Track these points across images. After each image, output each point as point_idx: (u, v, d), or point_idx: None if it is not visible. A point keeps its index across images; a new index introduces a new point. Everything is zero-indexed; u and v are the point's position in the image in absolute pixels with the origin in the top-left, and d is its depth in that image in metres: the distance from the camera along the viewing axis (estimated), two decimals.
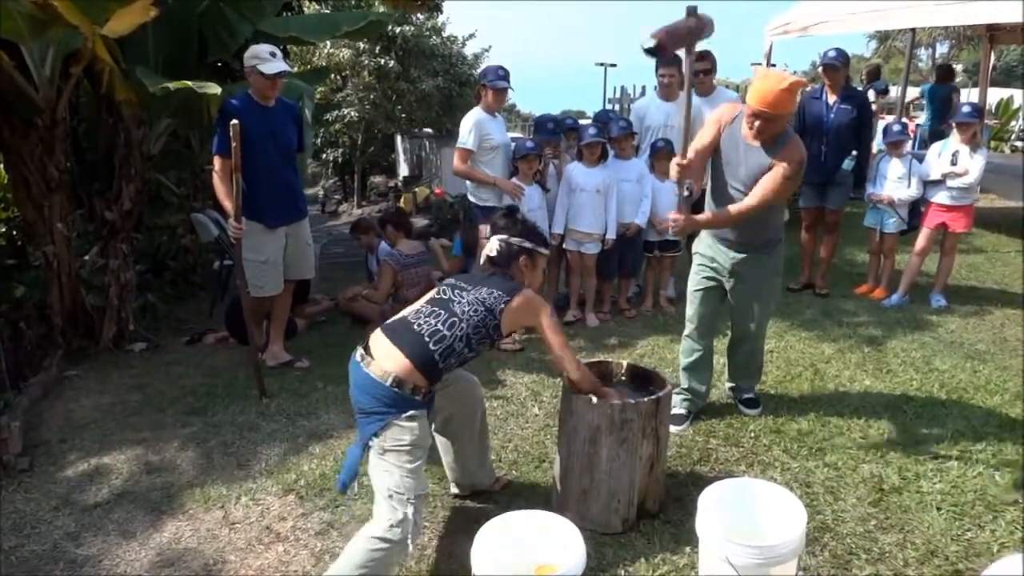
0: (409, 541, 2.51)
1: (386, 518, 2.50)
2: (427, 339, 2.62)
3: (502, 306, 2.71)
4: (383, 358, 2.62)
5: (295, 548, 2.98)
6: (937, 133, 8.03)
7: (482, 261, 2.97)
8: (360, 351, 2.71)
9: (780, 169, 3.34)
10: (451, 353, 2.64)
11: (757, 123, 3.30)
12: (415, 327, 2.67)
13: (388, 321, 2.83)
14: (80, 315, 5.15)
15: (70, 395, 4.49)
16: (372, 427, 2.59)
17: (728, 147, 3.52)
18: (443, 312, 2.70)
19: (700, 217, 3.59)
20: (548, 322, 2.80)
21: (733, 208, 3.47)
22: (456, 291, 2.78)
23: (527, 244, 2.90)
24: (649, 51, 3.04)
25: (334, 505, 3.22)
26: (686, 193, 3.56)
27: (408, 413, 2.57)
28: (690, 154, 3.42)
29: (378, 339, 2.70)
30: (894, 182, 5.79)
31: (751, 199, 3.41)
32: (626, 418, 2.87)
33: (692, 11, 3.06)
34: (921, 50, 29.02)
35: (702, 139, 3.55)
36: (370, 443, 2.62)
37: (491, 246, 2.92)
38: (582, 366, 2.92)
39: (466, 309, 2.69)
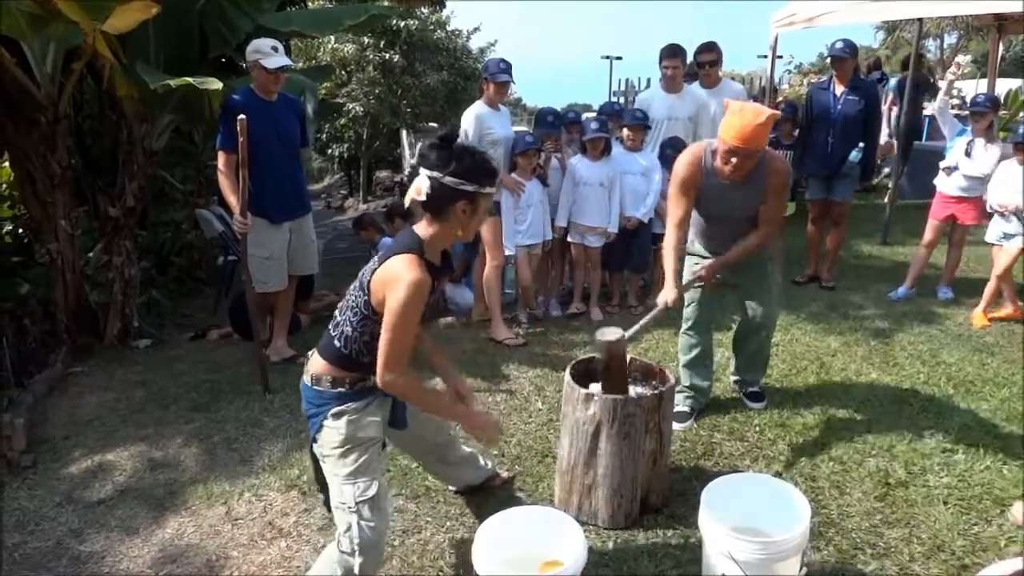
0: (356, 554, 2.31)
1: (339, 528, 2.38)
2: (331, 329, 2.45)
3: (368, 277, 2.31)
4: (312, 358, 2.50)
5: (297, 544, 2.97)
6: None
7: (407, 202, 2.40)
8: (309, 355, 2.57)
9: (778, 188, 3.40)
10: (347, 339, 2.37)
11: (734, 160, 3.20)
12: (332, 317, 2.50)
13: None
14: (84, 312, 5.16)
15: (74, 392, 4.50)
16: (311, 431, 2.47)
17: (711, 193, 3.47)
18: (346, 296, 2.47)
19: (723, 259, 3.58)
20: (400, 301, 2.19)
21: (742, 247, 3.53)
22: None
23: (468, 186, 2.27)
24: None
25: None
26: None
27: (334, 411, 2.38)
28: (672, 233, 3.49)
29: None
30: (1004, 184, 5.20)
31: (767, 224, 3.49)
32: (629, 413, 2.85)
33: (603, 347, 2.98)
34: (929, 41, 28.81)
35: (681, 210, 3.49)
36: (314, 451, 2.49)
37: (419, 185, 2.30)
38: (403, 376, 2.33)
39: (351, 288, 2.42)
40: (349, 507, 2.35)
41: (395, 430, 2.64)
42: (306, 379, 2.47)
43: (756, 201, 3.47)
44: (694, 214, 3.63)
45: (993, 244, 5.29)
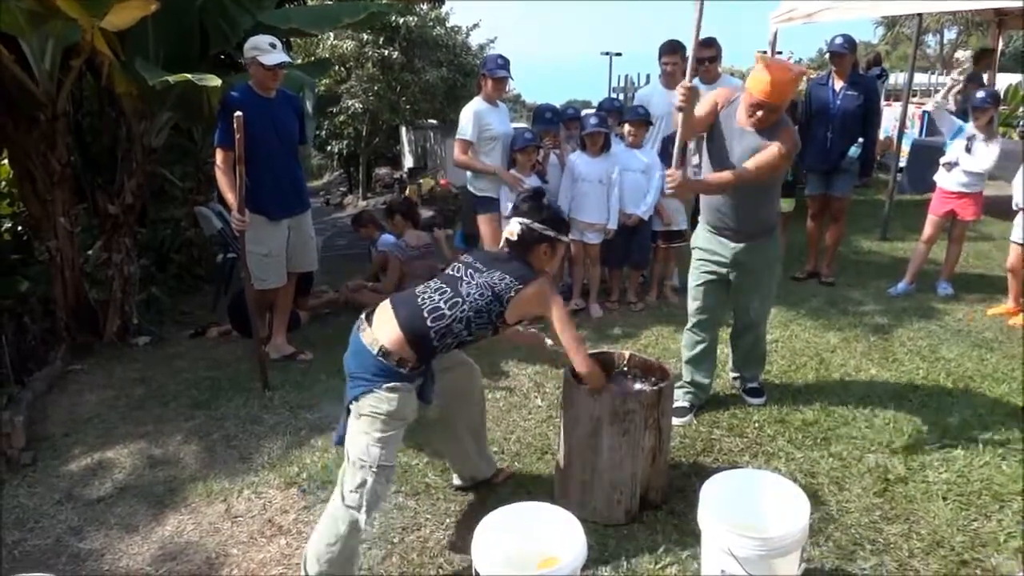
0: (363, 510, 2.50)
1: (348, 483, 2.53)
2: (426, 315, 2.58)
3: (511, 294, 2.63)
4: (379, 326, 2.61)
5: (297, 541, 2.97)
6: None
7: (501, 244, 2.86)
8: (362, 317, 2.70)
9: (776, 146, 3.31)
10: (448, 333, 2.58)
11: (759, 113, 3.26)
12: (418, 300, 2.64)
13: (398, 292, 2.82)
14: (84, 309, 5.16)
15: (74, 389, 4.50)
16: (355, 391, 2.58)
17: (723, 130, 3.49)
18: (449, 290, 2.65)
19: (696, 179, 3.59)
20: (559, 314, 2.72)
21: (728, 173, 3.42)
22: (469, 270, 2.72)
23: (550, 232, 2.77)
24: None
25: None
26: (693, 160, 3.54)
27: (390, 384, 2.53)
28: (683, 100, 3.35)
29: (381, 308, 2.69)
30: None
31: (747, 166, 3.36)
32: (628, 409, 2.85)
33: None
34: (929, 36, 28.79)
35: (700, 108, 3.49)
36: (350, 406, 2.61)
37: (512, 229, 2.78)
38: (591, 363, 2.84)
39: (472, 291, 2.62)
40: (370, 466, 2.52)
41: (437, 405, 2.86)
42: (372, 347, 2.56)
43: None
44: (704, 161, 3.66)
45: (1017, 243, 5.24)
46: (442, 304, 2.60)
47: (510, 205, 5.02)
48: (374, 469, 2.52)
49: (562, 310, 2.74)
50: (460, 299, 2.61)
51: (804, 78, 5.84)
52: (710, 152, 3.60)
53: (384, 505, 2.64)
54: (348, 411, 2.65)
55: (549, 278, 2.83)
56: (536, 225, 2.75)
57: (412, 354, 2.56)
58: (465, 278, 2.69)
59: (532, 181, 5.10)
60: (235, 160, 4.03)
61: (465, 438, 3.12)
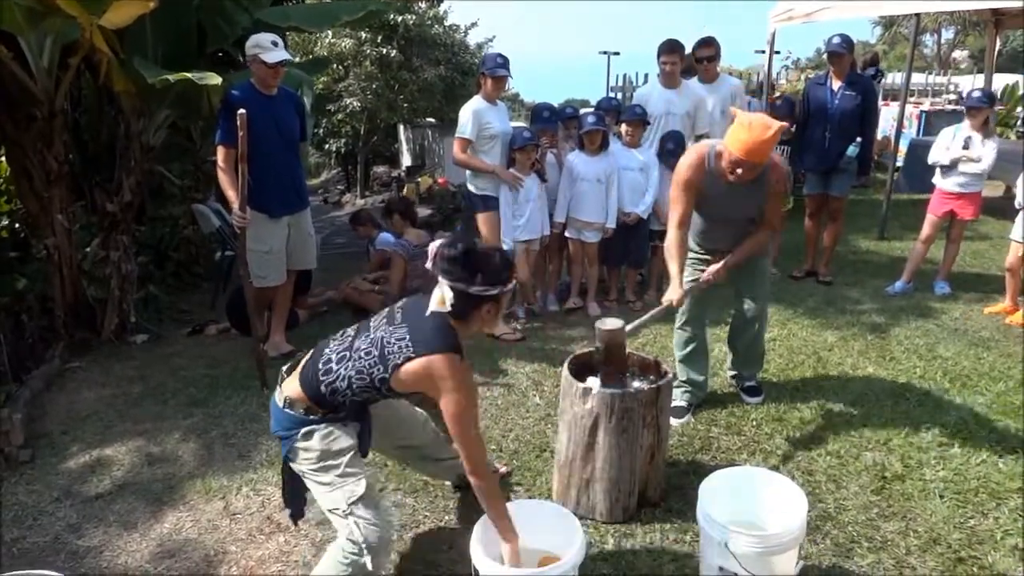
0: (365, 555, 2.34)
1: (341, 534, 2.42)
2: (320, 367, 2.44)
3: (398, 360, 2.32)
4: (287, 381, 2.54)
5: (296, 538, 2.98)
6: None
7: (430, 309, 2.40)
8: (282, 372, 2.62)
9: (778, 190, 3.42)
10: (335, 390, 2.40)
11: (739, 170, 3.21)
12: (324, 350, 2.50)
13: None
14: (82, 307, 5.16)
15: (72, 387, 4.49)
16: (284, 453, 2.52)
17: (710, 192, 3.46)
18: (348, 341, 2.48)
19: (732, 259, 3.58)
20: (451, 403, 2.32)
21: (747, 247, 3.58)
22: (386, 319, 2.49)
23: (491, 291, 2.37)
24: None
25: None
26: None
27: (304, 431, 2.43)
28: (674, 233, 3.51)
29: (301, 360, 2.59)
30: None
31: (767, 226, 3.56)
32: (627, 407, 2.86)
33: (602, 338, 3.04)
34: (927, 36, 28.84)
35: (681, 210, 3.50)
36: (289, 467, 2.54)
37: (443, 296, 2.36)
38: (488, 475, 2.49)
39: (363, 346, 2.40)
40: (343, 511, 2.39)
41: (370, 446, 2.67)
42: (278, 399, 2.50)
43: (756, 203, 3.49)
44: (693, 215, 3.63)
45: (1017, 242, 5.22)
46: (333, 357, 2.44)
47: (505, 200, 5.07)
48: (347, 511, 2.38)
49: (460, 398, 2.33)
50: (349, 353, 2.42)
51: (800, 80, 5.84)
52: (703, 211, 3.62)
53: (389, 539, 2.50)
54: (283, 477, 2.61)
55: (485, 330, 2.56)
56: (473, 288, 2.35)
57: (315, 407, 2.45)
58: (370, 330, 2.47)
59: (531, 180, 5.10)
60: (237, 158, 4.03)
61: (418, 463, 3.09)
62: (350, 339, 2.48)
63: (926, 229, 5.72)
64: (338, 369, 2.40)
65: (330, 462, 2.43)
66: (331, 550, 2.46)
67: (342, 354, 2.43)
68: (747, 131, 3.11)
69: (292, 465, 2.51)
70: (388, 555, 2.51)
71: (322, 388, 2.41)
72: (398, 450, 3.00)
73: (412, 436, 2.96)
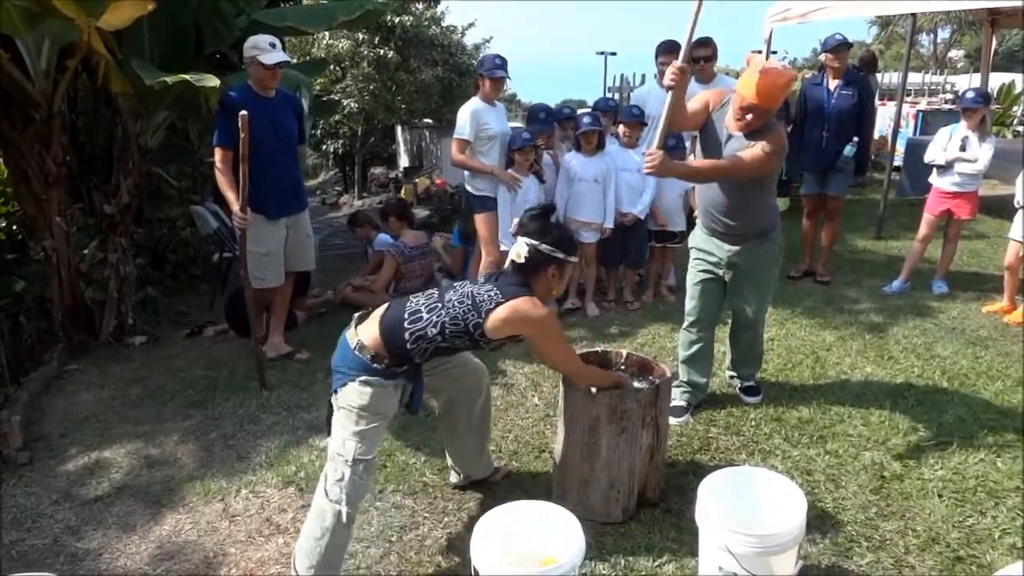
0: (344, 503, 2.52)
1: (329, 477, 2.58)
2: (406, 316, 2.59)
3: (491, 306, 2.56)
4: (365, 325, 2.65)
5: (295, 540, 2.96)
6: None
7: (507, 264, 2.75)
8: (355, 317, 2.74)
9: (760, 145, 3.28)
10: (422, 337, 2.55)
11: (749, 116, 3.23)
12: (407, 303, 2.66)
13: (398, 294, 2.83)
14: (80, 309, 5.15)
15: (70, 389, 4.49)
16: (335, 384, 2.63)
17: (715, 130, 3.48)
18: (436, 295, 2.66)
19: (677, 163, 3.55)
20: (546, 335, 2.66)
21: (708, 162, 3.45)
22: (465, 283, 2.72)
23: (559, 254, 2.66)
24: None
25: None
26: (670, 142, 3.52)
27: (363, 378, 2.55)
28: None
29: (377, 310, 2.72)
30: None
31: (726, 160, 3.36)
32: (626, 407, 2.86)
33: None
34: (923, 36, 28.88)
35: (693, 104, 3.49)
36: (331, 400, 2.66)
37: (519, 250, 2.66)
38: (588, 372, 2.87)
39: (454, 297, 2.60)
40: (347, 460, 2.55)
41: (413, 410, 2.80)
42: (351, 340, 2.61)
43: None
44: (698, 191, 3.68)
45: (1016, 241, 5.22)
46: (423, 308, 2.61)
47: (503, 201, 5.08)
48: (350, 463, 2.54)
49: (550, 330, 2.66)
50: (441, 304, 2.61)
51: (798, 80, 5.85)
52: (703, 152, 3.60)
53: (367, 496, 2.70)
54: (330, 405, 2.69)
55: (549, 298, 2.77)
56: (544, 247, 2.64)
57: (387, 353, 2.57)
58: (456, 287, 2.68)
59: (530, 181, 5.11)
60: (235, 159, 4.03)
61: (466, 435, 3.12)
62: (435, 296, 2.65)
63: (923, 229, 5.73)
64: (429, 316, 2.57)
65: (365, 416, 2.57)
66: (315, 503, 2.61)
67: (432, 305, 2.61)
68: (761, 76, 3.12)
69: (334, 398, 2.64)
70: (354, 518, 2.62)
71: (406, 335, 2.55)
72: (467, 412, 3.07)
73: (483, 402, 3.08)
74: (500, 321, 2.55)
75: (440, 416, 3.14)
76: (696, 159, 3.66)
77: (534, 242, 2.64)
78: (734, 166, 3.33)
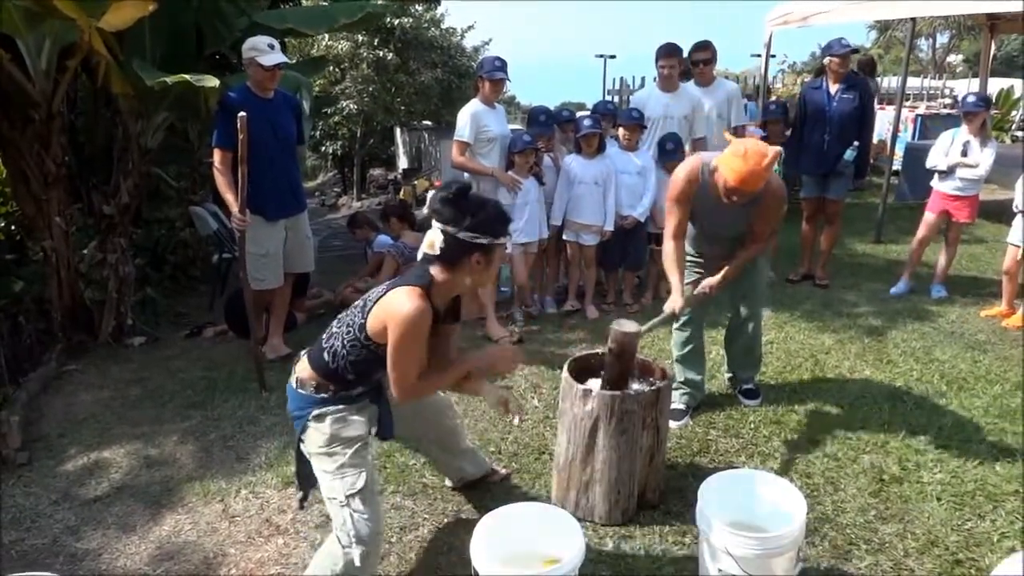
0: (354, 546, 2.38)
1: (335, 524, 2.45)
2: (323, 338, 2.49)
3: (371, 304, 2.36)
4: (301, 361, 2.57)
5: (295, 541, 2.98)
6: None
7: (419, 255, 2.45)
8: (299, 355, 2.65)
9: (773, 209, 3.42)
10: (335, 354, 2.42)
11: (735, 198, 3.21)
12: (332, 322, 2.54)
13: None
14: (79, 309, 5.15)
15: (69, 389, 4.49)
16: (298, 432, 2.54)
17: (704, 207, 3.47)
18: (347, 310, 2.53)
19: (723, 277, 3.57)
20: (400, 331, 2.26)
21: (739, 261, 3.56)
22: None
23: (482, 239, 2.33)
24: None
25: None
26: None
27: (316, 412, 2.45)
28: (670, 244, 3.53)
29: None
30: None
31: (757, 241, 3.51)
32: (626, 409, 2.86)
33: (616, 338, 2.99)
34: (921, 40, 28.94)
35: (676, 221, 3.50)
36: (300, 447, 2.56)
37: (432, 239, 2.34)
38: (427, 384, 2.53)
39: (352, 306, 2.48)
40: (340, 501, 2.41)
41: (384, 436, 2.67)
42: (292, 381, 2.54)
43: (748, 220, 3.47)
44: (688, 226, 3.65)
45: (1015, 245, 5.22)
46: (334, 324, 2.50)
47: (503, 203, 5.07)
48: (344, 503, 2.40)
49: (404, 328, 2.25)
50: (344, 314, 2.50)
51: (797, 84, 5.86)
52: (695, 223, 3.62)
53: (380, 538, 2.53)
54: (298, 457, 2.61)
55: (481, 285, 2.56)
56: (462, 233, 2.31)
57: (325, 381, 2.47)
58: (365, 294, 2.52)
59: (530, 183, 5.12)
60: (234, 160, 4.03)
61: (431, 449, 3.09)
62: (354, 307, 2.50)
63: (922, 229, 5.74)
64: (338, 329, 2.45)
65: (336, 448, 2.44)
66: (324, 546, 2.51)
67: (342, 317, 2.50)
68: (742, 160, 3.07)
69: (301, 447, 2.53)
70: (377, 555, 2.54)
71: (325, 355, 2.43)
72: (421, 425, 2.98)
73: (433, 423, 2.98)
74: (374, 318, 2.33)
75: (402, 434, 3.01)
76: (693, 228, 3.69)
77: (450, 229, 2.31)
78: (759, 248, 3.54)
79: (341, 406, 2.47)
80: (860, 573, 2.73)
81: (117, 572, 2.86)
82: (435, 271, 2.39)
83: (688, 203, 3.47)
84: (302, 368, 2.53)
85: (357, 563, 2.39)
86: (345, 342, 2.40)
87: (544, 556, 2.50)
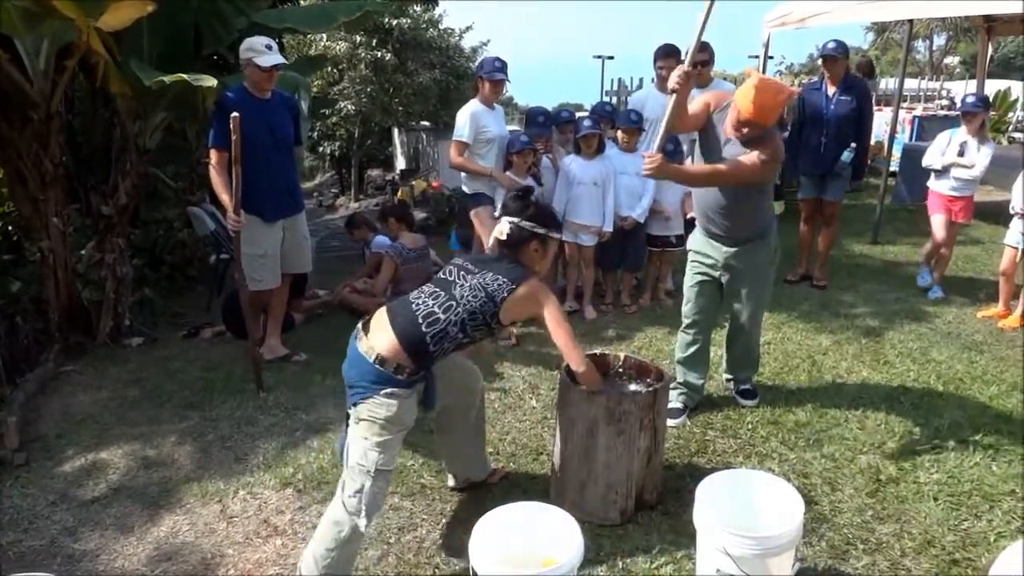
0: (362, 515, 2.53)
1: (347, 488, 2.57)
2: (420, 320, 2.59)
3: (505, 294, 2.62)
4: (375, 334, 2.63)
5: (293, 541, 2.98)
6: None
7: (490, 243, 2.87)
8: (359, 327, 2.72)
9: (755, 153, 3.32)
10: (444, 337, 2.59)
11: (745, 129, 3.25)
12: (412, 307, 2.66)
13: (394, 297, 2.82)
14: (77, 310, 5.13)
15: (67, 390, 4.48)
16: (354, 398, 2.61)
17: (712, 133, 3.50)
18: (443, 294, 2.66)
19: (675, 166, 3.58)
20: (554, 313, 2.70)
21: (706, 166, 3.49)
22: (461, 273, 2.73)
23: (539, 229, 2.76)
24: None
25: (332, 498, 3.21)
26: (669, 145, 3.55)
27: (388, 390, 2.54)
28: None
29: (378, 316, 2.71)
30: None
31: (722, 166, 3.41)
32: (624, 410, 2.87)
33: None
34: (919, 42, 28.97)
35: (694, 106, 3.49)
36: (349, 412, 2.64)
37: (501, 228, 2.77)
38: (588, 362, 2.86)
39: (466, 293, 2.63)
40: (368, 471, 2.55)
41: (427, 411, 2.81)
42: (368, 354, 2.58)
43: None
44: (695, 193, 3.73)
45: (1011, 247, 5.24)
46: (436, 308, 2.62)
47: (501, 203, 5.09)
48: (371, 473, 2.54)
49: (556, 309, 2.72)
50: (454, 302, 2.62)
51: (796, 91, 5.87)
52: (702, 153, 3.62)
53: (382, 508, 2.65)
54: (347, 420, 2.67)
55: (541, 277, 2.82)
56: (525, 224, 2.75)
57: (409, 360, 2.57)
58: (458, 281, 2.70)
59: (527, 184, 5.11)
60: (230, 161, 4.03)
61: (462, 439, 3.13)
62: (443, 294, 2.67)
63: (940, 231, 5.69)
64: (447, 316, 2.60)
65: (388, 428, 2.57)
66: (329, 513, 2.62)
67: (446, 304, 2.63)
68: (759, 92, 3.12)
69: (353, 410, 2.62)
70: (372, 524, 2.65)
71: (427, 339, 2.58)
72: (444, 415, 3.05)
73: (462, 410, 3.06)
74: (516, 303, 2.64)
75: (436, 422, 3.13)
76: (694, 163, 3.67)
77: (515, 220, 2.75)
78: (730, 172, 3.38)
79: (409, 389, 2.60)
80: (857, 573, 2.73)
81: (115, 573, 2.86)
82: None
83: (706, 112, 3.49)
84: (385, 344, 2.58)
85: (362, 530, 2.56)
86: (468, 328, 2.62)
87: (542, 556, 2.50)
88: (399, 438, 2.64)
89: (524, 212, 2.77)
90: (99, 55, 4.41)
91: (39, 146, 4.78)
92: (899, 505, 3.10)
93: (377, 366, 2.55)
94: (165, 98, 4.89)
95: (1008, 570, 1.94)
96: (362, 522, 2.54)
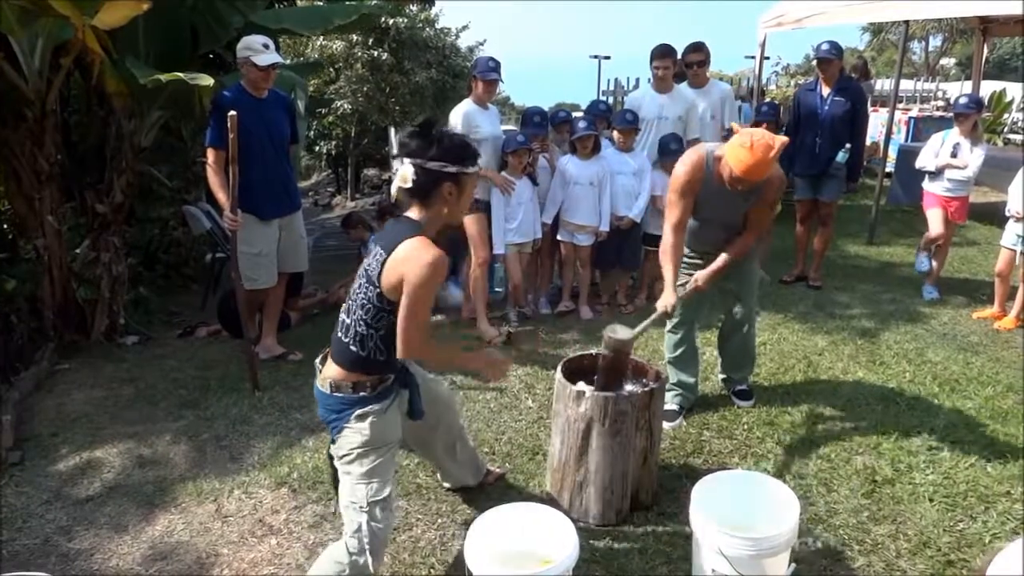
0: (367, 555, 2.35)
1: (347, 528, 2.41)
2: (340, 333, 2.46)
3: (379, 270, 2.31)
4: (325, 367, 2.52)
5: (288, 541, 2.97)
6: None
7: (394, 192, 2.45)
8: (317, 362, 2.60)
9: (772, 198, 3.43)
10: (363, 339, 2.39)
11: (740, 187, 3.23)
12: (338, 322, 2.50)
13: None
14: (72, 308, 5.12)
15: (62, 389, 4.46)
16: (333, 435, 2.49)
17: (706, 194, 3.47)
18: (350, 295, 2.48)
19: (713, 267, 3.59)
20: (421, 281, 2.23)
21: (736, 248, 3.57)
22: (365, 260, 2.48)
23: (450, 167, 2.33)
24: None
25: (327, 498, 3.21)
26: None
27: (356, 412, 2.40)
28: (670, 237, 3.51)
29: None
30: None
31: (753, 230, 3.55)
32: (620, 410, 2.87)
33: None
34: (914, 43, 29.03)
35: (679, 213, 3.50)
36: (331, 453, 2.53)
37: (404, 173, 2.35)
38: (433, 350, 2.63)
39: (356, 285, 2.42)
40: (361, 507, 2.38)
41: (412, 421, 2.65)
42: (323, 387, 2.47)
43: (749, 205, 3.49)
44: (695, 235, 3.69)
45: (1008, 248, 5.25)
46: (344, 315, 2.47)
47: (496, 203, 5.08)
48: (365, 509, 2.38)
49: (426, 277, 2.24)
50: (351, 300, 2.45)
51: (790, 85, 5.87)
52: (696, 212, 3.60)
53: (386, 545, 2.51)
54: (331, 465, 2.56)
55: (456, 218, 2.51)
56: (432, 164, 2.32)
57: (360, 375, 2.43)
58: (359, 273, 2.46)
59: (523, 183, 5.12)
60: (227, 160, 4.02)
61: (440, 456, 3.06)
62: (350, 295, 2.48)
63: (938, 227, 5.68)
64: (351, 320, 2.41)
65: (370, 452, 2.41)
66: (331, 548, 2.46)
67: (347, 306, 2.46)
68: (749, 151, 3.07)
69: (332, 449, 2.50)
70: (381, 562, 2.51)
71: (352, 347, 2.40)
72: (432, 430, 2.93)
73: (445, 419, 2.95)
74: (389, 274, 2.30)
75: (415, 442, 3.01)
76: (704, 221, 3.68)
77: (418, 160, 2.33)
78: (753, 236, 3.55)
79: (382, 403, 2.44)
80: (852, 574, 2.74)
81: (109, 572, 2.85)
82: (414, 214, 2.41)
83: (692, 195, 3.47)
84: (331, 371, 2.46)
85: (370, 568, 2.37)
86: (368, 321, 2.37)
87: (538, 556, 2.50)
88: (388, 460, 2.47)
89: (428, 150, 2.33)
90: (95, 53, 4.40)
91: (34, 144, 4.78)
92: (895, 506, 3.11)
93: (335, 393, 2.44)
94: (161, 97, 4.88)
95: (1008, 570, 1.94)
96: (367, 560, 2.35)
